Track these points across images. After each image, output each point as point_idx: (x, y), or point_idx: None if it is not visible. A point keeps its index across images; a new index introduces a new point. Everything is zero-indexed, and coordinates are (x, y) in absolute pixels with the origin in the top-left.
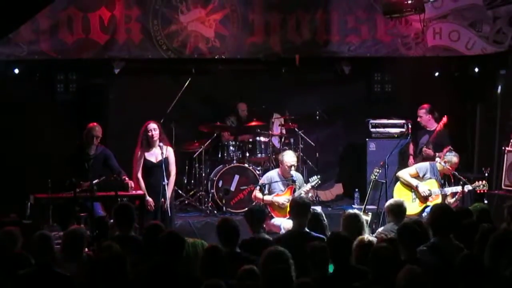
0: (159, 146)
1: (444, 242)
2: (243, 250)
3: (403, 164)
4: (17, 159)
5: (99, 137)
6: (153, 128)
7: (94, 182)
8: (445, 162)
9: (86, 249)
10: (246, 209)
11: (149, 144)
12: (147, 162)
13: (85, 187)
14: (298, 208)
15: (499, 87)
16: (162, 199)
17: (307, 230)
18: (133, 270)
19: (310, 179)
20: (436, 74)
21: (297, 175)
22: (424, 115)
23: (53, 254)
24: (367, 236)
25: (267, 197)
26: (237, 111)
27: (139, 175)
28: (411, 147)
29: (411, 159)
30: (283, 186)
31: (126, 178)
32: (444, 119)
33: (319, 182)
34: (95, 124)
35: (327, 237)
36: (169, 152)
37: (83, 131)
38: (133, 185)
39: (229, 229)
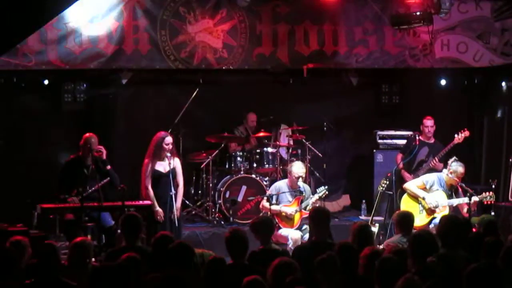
0: (167, 156)
1: (453, 253)
2: (253, 262)
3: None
4: (25, 168)
5: (95, 148)
6: (170, 142)
7: (99, 184)
8: (450, 173)
9: (93, 260)
10: (251, 221)
11: (160, 156)
12: (156, 172)
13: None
14: (319, 218)
15: (506, 99)
16: (172, 210)
17: (329, 241)
18: (140, 281)
19: (317, 190)
20: (444, 86)
21: (305, 187)
22: (430, 124)
23: (59, 265)
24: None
25: (275, 207)
26: (247, 122)
27: (149, 185)
28: (399, 157)
29: (405, 173)
30: (290, 196)
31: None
32: (467, 133)
33: (327, 192)
34: (91, 135)
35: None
36: (177, 162)
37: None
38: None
39: (239, 240)
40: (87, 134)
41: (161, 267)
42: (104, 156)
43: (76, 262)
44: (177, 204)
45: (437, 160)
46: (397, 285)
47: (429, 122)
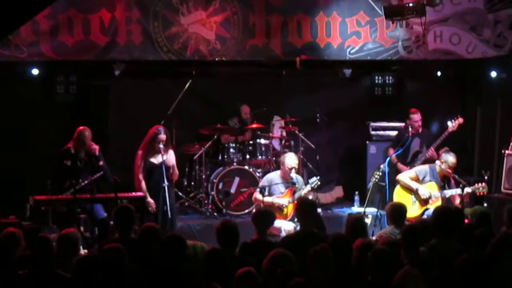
0: (160, 149)
1: (445, 244)
2: (245, 253)
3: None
4: (17, 160)
5: (89, 142)
6: (164, 139)
7: (93, 177)
8: (442, 163)
9: (86, 251)
10: (254, 211)
11: (154, 149)
12: (149, 163)
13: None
14: (305, 209)
15: (499, 91)
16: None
17: (315, 231)
18: (133, 272)
19: (309, 180)
20: (437, 77)
21: (297, 178)
22: (419, 118)
23: (53, 257)
24: (368, 238)
25: (268, 199)
26: (240, 113)
27: (141, 176)
28: (391, 151)
29: (400, 165)
30: (283, 188)
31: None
32: (461, 119)
33: (319, 183)
34: (85, 128)
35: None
36: (170, 154)
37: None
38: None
39: (230, 231)
40: (81, 127)
41: (148, 258)
42: (97, 152)
43: (63, 254)
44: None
45: (433, 149)
46: (396, 278)
47: (417, 116)
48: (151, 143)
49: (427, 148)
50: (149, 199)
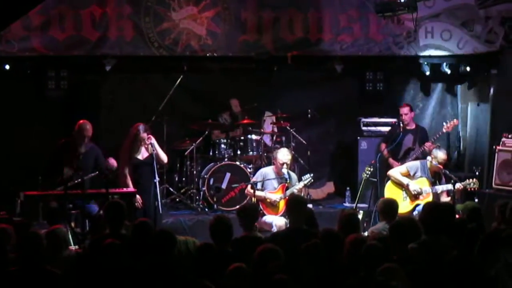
0: (144, 144)
1: (435, 240)
2: (235, 249)
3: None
4: (7, 155)
5: (89, 136)
6: (146, 137)
7: (86, 177)
8: (433, 158)
9: (77, 247)
10: (238, 207)
11: (136, 147)
12: (134, 160)
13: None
14: (295, 205)
15: (490, 87)
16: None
17: (305, 227)
18: (124, 268)
19: (302, 178)
20: (428, 73)
21: (290, 174)
22: (409, 113)
23: (43, 252)
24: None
25: (260, 193)
26: (230, 108)
27: (126, 171)
28: (383, 146)
29: (391, 160)
30: (276, 183)
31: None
32: (456, 121)
33: (312, 180)
34: (85, 121)
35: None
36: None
37: (73, 127)
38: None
39: (223, 227)
40: (81, 121)
41: (141, 253)
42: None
43: (51, 250)
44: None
45: (431, 143)
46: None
47: (404, 109)
48: (133, 143)
49: (419, 145)
50: (136, 195)
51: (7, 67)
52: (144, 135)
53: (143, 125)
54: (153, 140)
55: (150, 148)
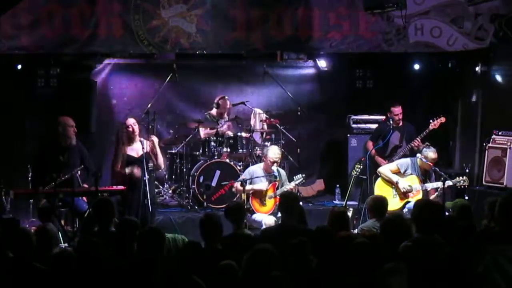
0: (140, 141)
1: (428, 238)
2: (224, 247)
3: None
4: None
5: (72, 131)
6: (132, 123)
7: (74, 172)
8: (423, 157)
9: (66, 245)
10: (225, 207)
11: (130, 139)
12: (129, 157)
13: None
14: (288, 202)
15: (480, 84)
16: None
17: (296, 224)
18: (112, 265)
19: (294, 177)
20: (418, 70)
21: (280, 171)
22: (399, 111)
23: (32, 249)
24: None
25: (248, 186)
26: (219, 106)
27: (118, 169)
28: (370, 144)
29: (378, 158)
30: (265, 181)
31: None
32: (443, 119)
33: (304, 180)
34: (64, 117)
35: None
36: (150, 144)
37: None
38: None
39: (213, 225)
40: (63, 117)
41: (126, 250)
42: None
43: (40, 248)
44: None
45: (419, 140)
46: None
47: (397, 110)
48: (125, 135)
49: (407, 143)
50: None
51: None
52: (130, 122)
53: (132, 119)
54: (156, 142)
55: (146, 146)
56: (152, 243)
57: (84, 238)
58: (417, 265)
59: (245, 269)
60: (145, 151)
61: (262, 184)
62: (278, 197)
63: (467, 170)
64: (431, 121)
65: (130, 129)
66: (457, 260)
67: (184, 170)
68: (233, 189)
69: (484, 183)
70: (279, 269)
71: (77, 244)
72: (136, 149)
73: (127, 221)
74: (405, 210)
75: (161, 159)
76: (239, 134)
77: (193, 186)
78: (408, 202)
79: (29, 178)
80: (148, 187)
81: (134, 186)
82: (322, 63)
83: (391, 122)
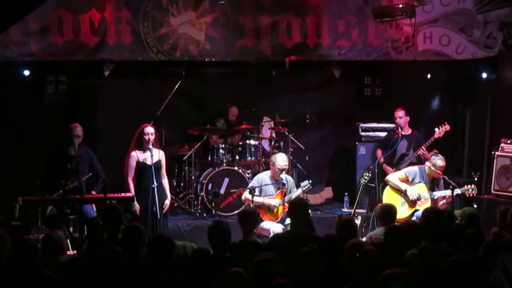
0: (149, 149)
1: (435, 246)
2: (233, 254)
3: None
4: (6, 160)
5: (80, 136)
6: (151, 132)
7: (82, 179)
8: (431, 165)
9: (75, 252)
10: (239, 211)
11: (142, 147)
12: (140, 163)
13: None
14: (297, 209)
15: (489, 92)
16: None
17: (306, 232)
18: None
19: (301, 184)
20: (426, 78)
21: (287, 178)
22: (404, 117)
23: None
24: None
25: (258, 199)
26: (227, 114)
27: (130, 178)
28: (379, 152)
29: (385, 167)
30: (274, 189)
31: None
32: (447, 126)
33: (311, 187)
34: (76, 124)
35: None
36: (162, 155)
37: None
38: None
39: (221, 232)
40: (71, 124)
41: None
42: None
43: (48, 255)
44: (167, 201)
45: (424, 148)
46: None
47: (400, 113)
48: (138, 141)
49: (414, 151)
50: (135, 202)
51: (7, 71)
52: (151, 136)
53: (150, 126)
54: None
55: (156, 155)
56: (162, 250)
57: (108, 247)
58: (424, 273)
59: (249, 277)
60: (156, 159)
61: (275, 201)
62: (285, 204)
63: (475, 179)
64: (436, 129)
65: (147, 138)
66: (464, 268)
67: (193, 177)
68: (242, 198)
69: (492, 191)
70: (285, 276)
71: (86, 250)
72: (147, 156)
73: (134, 228)
74: (413, 218)
75: (165, 175)
76: (247, 141)
77: (202, 194)
78: (416, 210)
79: (38, 185)
80: (157, 195)
81: (147, 194)
82: (331, 71)
83: (400, 129)
